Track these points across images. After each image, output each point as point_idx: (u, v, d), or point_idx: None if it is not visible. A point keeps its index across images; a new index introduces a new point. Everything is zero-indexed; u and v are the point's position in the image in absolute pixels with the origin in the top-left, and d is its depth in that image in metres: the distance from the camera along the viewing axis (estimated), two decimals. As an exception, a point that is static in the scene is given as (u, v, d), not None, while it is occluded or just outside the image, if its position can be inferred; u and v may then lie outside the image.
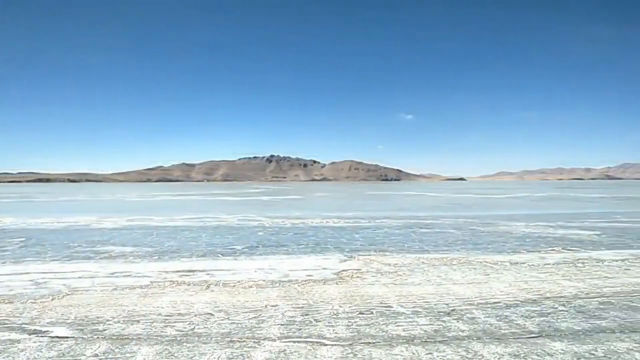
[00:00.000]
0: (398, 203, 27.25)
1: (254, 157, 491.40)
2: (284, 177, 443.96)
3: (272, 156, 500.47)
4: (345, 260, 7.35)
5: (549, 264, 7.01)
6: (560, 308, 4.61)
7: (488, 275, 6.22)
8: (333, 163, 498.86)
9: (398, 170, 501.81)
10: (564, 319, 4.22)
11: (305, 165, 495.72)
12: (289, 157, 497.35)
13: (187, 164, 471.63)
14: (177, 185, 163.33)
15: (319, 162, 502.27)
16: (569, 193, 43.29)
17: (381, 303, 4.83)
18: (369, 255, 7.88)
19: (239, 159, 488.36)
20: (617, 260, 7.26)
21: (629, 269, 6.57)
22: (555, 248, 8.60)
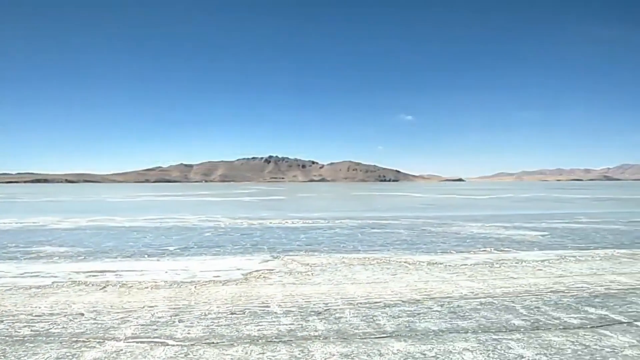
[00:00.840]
0: (376, 204, 27.24)
1: (252, 158, 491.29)
2: (282, 178, 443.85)
3: (270, 157, 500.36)
4: (267, 261, 7.34)
5: (467, 264, 7.01)
6: (436, 308, 4.60)
7: (395, 275, 6.21)
8: (331, 164, 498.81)
9: (396, 171, 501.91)
10: (428, 319, 4.22)
11: (303, 166, 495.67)
12: (288, 158, 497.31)
13: (186, 165, 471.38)
14: (174, 186, 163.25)
15: (317, 163, 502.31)
16: (555, 194, 43.34)
17: (262, 303, 4.82)
18: (297, 255, 7.87)
19: (237, 160, 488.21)
20: (538, 261, 7.26)
21: (542, 270, 6.58)
22: (487, 248, 8.60)
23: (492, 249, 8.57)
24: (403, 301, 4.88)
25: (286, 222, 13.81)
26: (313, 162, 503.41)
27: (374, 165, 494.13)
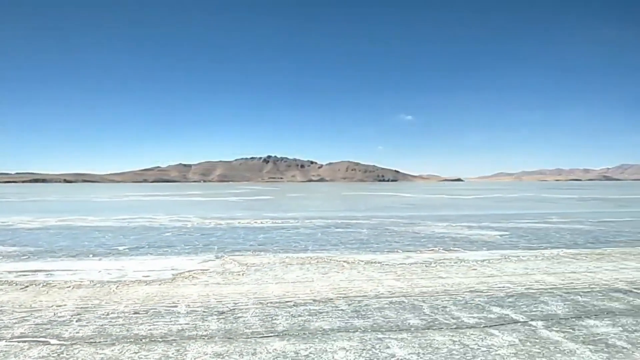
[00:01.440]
0: (359, 204, 27.23)
1: (251, 158, 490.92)
2: (281, 178, 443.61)
3: (269, 157, 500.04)
4: (207, 261, 7.33)
5: (405, 264, 7.00)
6: (342, 307, 4.59)
7: (325, 274, 6.21)
8: (330, 164, 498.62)
9: (395, 171, 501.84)
10: (325, 319, 4.20)
11: (302, 166, 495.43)
12: (286, 158, 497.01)
13: (184, 165, 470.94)
14: (170, 186, 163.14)
15: (316, 163, 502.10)
16: (545, 194, 43.35)
17: (172, 303, 4.81)
18: (241, 255, 7.86)
19: (236, 160, 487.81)
20: (478, 261, 7.26)
21: (476, 269, 6.57)
22: (436, 248, 8.60)
23: (441, 248, 8.57)
24: (315, 300, 4.88)
25: (255, 222, 13.80)
26: (312, 162, 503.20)
27: (373, 166, 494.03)
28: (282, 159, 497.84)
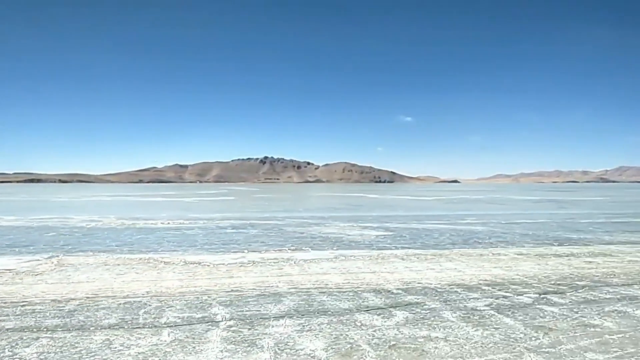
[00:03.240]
0: (307, 204, 27.34)
1: (248, 159, 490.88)
2: (277, 179, 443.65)
3: (265, 157, 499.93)
4: (37, 260, 7.41)
5: (223, 264, 7.10)
6: (103, 304, 4.69)
7: (122, 274, 6.30)
8: (327, 165, 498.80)
9: (392, 172, 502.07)
10: (70, 316, 4.30)
11: (298, 167, 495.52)
12: (283, 159, 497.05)
13: (181, 165, 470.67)
14: (162, 186, 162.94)
15: (312, 164, 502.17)
16: (512, 196, 43.55)
17: None
18: (83, 255, 7.95)
19: (232, 161, 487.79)
20: (305, 260, 7.36)
21: (282, 269, 6.67)
22: (292, 247, 8.70)
23: (294, 248, 8.67)
24: (87, 298, 4.99)
25: (161, 224, 13.88)
26: (308, 163, 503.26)
27: (370, 167, 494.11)
28: (278, 159, 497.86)
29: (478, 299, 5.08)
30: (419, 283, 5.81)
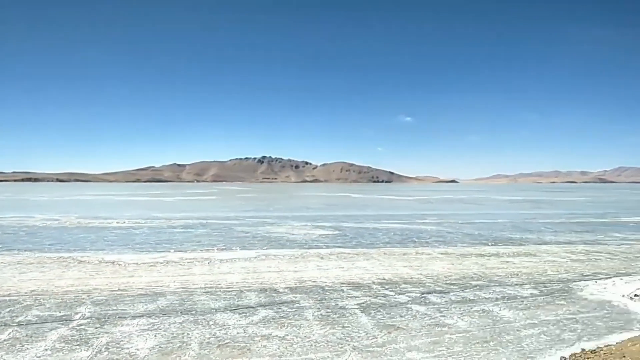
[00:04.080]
0: (282, 205, 27.34)
1: (246, 158, 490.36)
2: (275, 178, 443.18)
3: (263, 157, 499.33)
4: (-45, 259, 7.40)
5: (136, 263, 7.11)
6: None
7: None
8: (324, 164, 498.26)
9: (390, 172, 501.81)
10: None
11: (296, 167, 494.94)
12: (281, 158, 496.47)
13: (178, 165, 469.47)
14: (157, 185, 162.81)
15: (310, 164, 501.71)
16: (496, 196, 43.59)
17: None
18: (19, 253, 7.96)
19: (230, 160, 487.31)
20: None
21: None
22: (234, 248, 8.71)
23: (221, 248, 8.68)
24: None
25: (121, 222, 13.88)
26: (306, 163, 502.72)
27: (368, 167, 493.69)
28: (276, 159, 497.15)
29: (357, 297, 5.10)
30: (313, 282, 5.83)
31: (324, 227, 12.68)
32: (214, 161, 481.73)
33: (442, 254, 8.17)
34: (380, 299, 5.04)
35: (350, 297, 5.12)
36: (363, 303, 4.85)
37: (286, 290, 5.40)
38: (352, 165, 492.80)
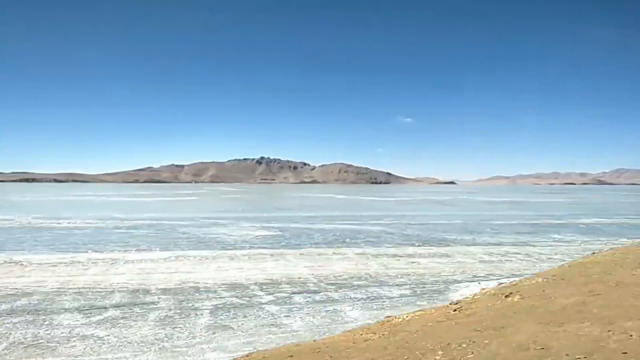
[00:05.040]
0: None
1: (244, 159, 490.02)
2: (273, 179, 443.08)
3: (262, 158, 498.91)
4: None
5: (51, 263, 7.12)
6: None
7: None
8: (323, 165, 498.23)
9: (388, 173, 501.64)
10: None
11: (295, 168, 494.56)
12: (279, 159, 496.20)
13: (177, 165, 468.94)
14: (157, 186, 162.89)
15: (309, 165, 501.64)
16: (481, 197, 43.66)
17: None
18: None
19: (229, 161, 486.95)
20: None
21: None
22: (154, 249, 8.73)
23: (143, 249, 8.69)
24: None
25: (73, 223, 13.92)
26: (305, 164, 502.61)
27: (366, 168, 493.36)
28: (275, 160, 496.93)
29: (221, 298, 5.11)
30: (194, 283, 5.85)
31: (270, 228, 12.71)
32: (212, 162, 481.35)
33: (357, 254, 8.19)
34: (243, 300, 5.05)
35: (215, 298, 5.13)
36: (220, 304, 4.87)
37: (157, 291, 5.42)
38: (350, 166, 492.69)
